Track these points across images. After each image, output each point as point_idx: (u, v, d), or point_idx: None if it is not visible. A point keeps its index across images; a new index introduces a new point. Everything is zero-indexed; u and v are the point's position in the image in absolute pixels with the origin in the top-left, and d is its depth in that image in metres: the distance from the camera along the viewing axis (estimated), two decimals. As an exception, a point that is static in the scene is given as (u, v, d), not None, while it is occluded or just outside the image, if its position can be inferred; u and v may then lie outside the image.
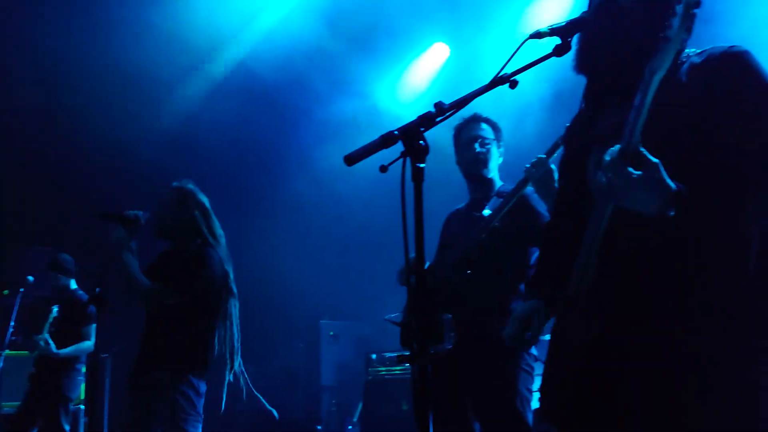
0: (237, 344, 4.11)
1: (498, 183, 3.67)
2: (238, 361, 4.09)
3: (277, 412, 9.28)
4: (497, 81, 1.86)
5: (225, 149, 8.52)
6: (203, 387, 3.95)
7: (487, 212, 3.45)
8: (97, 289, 3.92)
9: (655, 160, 1.68)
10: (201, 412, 3.88)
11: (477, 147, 3.57)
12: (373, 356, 7.71)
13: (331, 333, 9.23)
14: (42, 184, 7.94)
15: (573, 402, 1.90)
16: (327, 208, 9.05)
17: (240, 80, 8.13)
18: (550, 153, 3.11)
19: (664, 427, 1.75)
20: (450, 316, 2.95)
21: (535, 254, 3.50)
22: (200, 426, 3.86)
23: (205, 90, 8.18)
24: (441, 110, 1.78)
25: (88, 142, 7.56)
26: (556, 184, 3.06)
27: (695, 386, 1.75)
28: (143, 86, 7.46)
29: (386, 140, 1.68)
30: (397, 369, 7.52)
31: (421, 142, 1.68)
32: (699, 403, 1.74)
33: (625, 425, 1.81)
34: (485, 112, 3.69)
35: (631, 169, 1.67)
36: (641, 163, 1.68)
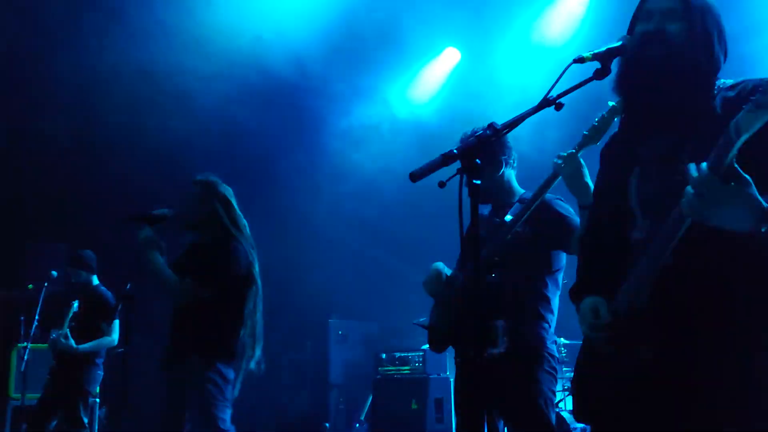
0: (260, 333, 4.25)
1: (519, 190, 3.74)
2: (259, 351, 4.23)
3: (285, 408, 9.42)
4: (544, 103, 2.00)
5: (239, 150, 8.65)
6: (231, 374, 4.09)
7: (509, 218, 3.49)
8: (128, 286, 4.07)
9: (747, 176, 1.73)
10: (229, 398, 4.03)
11: None
12: (383, 355, 7.85)
13: (340, 332, 9.34)
14: (64, 181, 8.07)
15: (625, 413, 2.02)
16: (339, 208, 9.18)
17: (261, 86, 8.27)
18: (580, 147, 3.10)
19: None
20: (503, 321, 3.07)
21: (558, 257, 3.61)
22: (229, 411, 4.02)
23: (228, 94, 8.32)
24: (495, 131, 1.92)
25: (110, 142, 7.70)
26: (588, 179, 3.12)
27: (763, 408, 1.85)
28: (166, 89, 7.59)
29: (446, 159, 1.82)
30: (406, 368, 7.66)
31: (477, 160, 1.82)
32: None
33: None
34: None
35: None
36: (735, 178, 1.72)
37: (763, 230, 1.75)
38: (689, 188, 1.78)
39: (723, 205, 1.73)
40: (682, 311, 1.94)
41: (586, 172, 3.11)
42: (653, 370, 1.95)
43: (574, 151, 3.11)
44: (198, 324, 4.09)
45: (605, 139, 2.84)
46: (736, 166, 1.72)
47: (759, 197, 1.74)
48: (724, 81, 2.11)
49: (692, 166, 1.76)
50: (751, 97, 1.71)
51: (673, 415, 1.93)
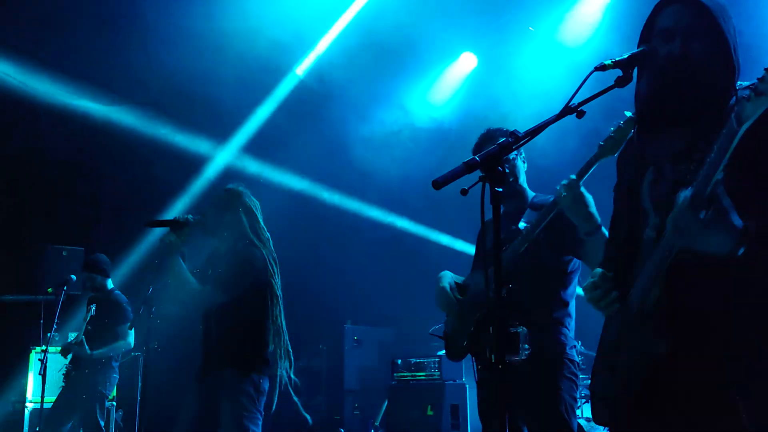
0: (288, 343, 4.25)
1: (530, 193, 3.73)
2: (291, 360, 4.24)
3: (301, 414, 9.42)
4: (566, 111, 2.00)
5: (258, 155, 8.71)
6: (266, 384, 4.12)
7: (522, 224, 3.47)
8: (150, 290, 4.09)
9: (725, 204, 1.78)
10: (262, 410, 4.04)
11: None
12: (399, 361, 7.85)
13: (355, 338, 9.35)
14: (83, 186, 8.14)
15: (643, 411, 2.04)
16: (355, 214, 9.20)
17: (282, 91, 8.34)
18: (580, 174, 3.08)
19: None
20: (526, 329, 3.06)
21: (573, 262, 3.59)
22: (260, 423, 4.02)
23: (248, 100, 8.37)
24: (516, 138, 1.92)
25: (129, 146, 7.76)
26: (590, 208, 3.09)
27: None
28: (186, 95, 7.64)
29: (469, 166, 1.82)
30: (422, 374, 7.65)
31: (499, 168, 1.82)
32: None
33: None
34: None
35: (702, 214, 1.79)
36: (714, 207, 1.78)
37: (740, 253, 1.81)
38: (669, 219, 1.85)
39: (700, 235, 1.81)
40: (695, 305, 1.96)
41: (588, 199, 3.07)
42: (669, 366, 1.96)
43: (575, 177, 3.08)
44: (231, 335, 4.11)
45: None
46: (718, 193, 1.78)
47: (735, 222, 1.80)
48: (741, 83, 2.11)
49: (680, 196, 1.82)
50: (750, 87, 1.73)
51: (693, 412, 1.94)
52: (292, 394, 4.29)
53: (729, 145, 1.76)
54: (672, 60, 2.10)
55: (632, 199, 2.21)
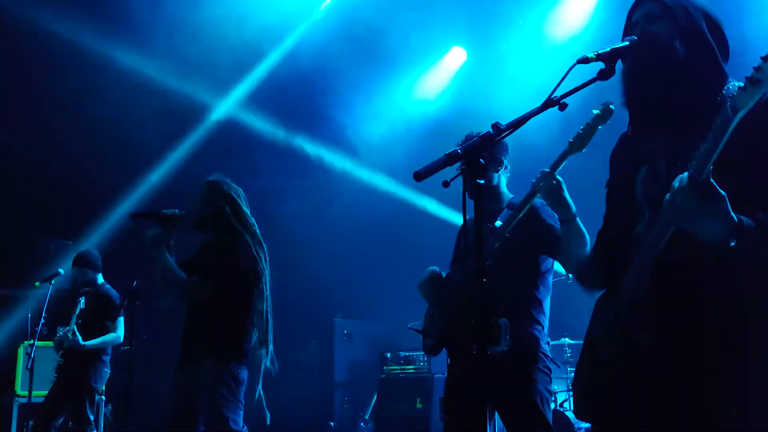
0: (270, 332, 4.26)
1: (508, 195, 3.78)
2: (270, 349, 4.25)
3: (290, 407, 9.43)
4: (548, 104, 2.00)
5: (247, 149, 8.70)
6: (244, 374, 4.12)
7: (499, 223, 3.50)
8: (135, 283, 4.10)
9: (722, 192, 1.77)
10: (242, 399, 4.05)
11: None
12: (388, 354, 7.89)
13: (345, 331, 9.37)
14: (72, 179, 8.11)
15: (628, 402, 2.03)
16: (347, 208, 9.20)
17: (270, 86, 8.33)
18: (554, 167, 3.08)
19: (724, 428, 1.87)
20: (507, 320, 3.09)
21: (546, 260, 3.63)
22: (241, 412, 4.03)
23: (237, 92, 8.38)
24: (498, 131, 1.93)
25: (116, 140, 7.74)
26: (566, 195, 3.13)
27: (756, 391, 1.87)
28: (174, 90, 7.63)
29: (450, 158, 1.83)
30: (411, 368, 7.70)
31: (481, 160, 1.83)
32: (760, 406, 1.86)
33: (683, 426, 1.93)
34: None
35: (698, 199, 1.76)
36: (709, 194, 1.77)
37: (732, 244, 1.80)
38: (667, 196, 1.84)
39: (696, 216, 1.80)
40: (680, 300, 1.96)
41: (564, 187, 3.12)
42: (651, 358, 1.96)
43: (548, 170, 3.08)
44: (210, 325, 4.12)
45: (591, 145, 2.87)
46: (712, 182, 1.77)
47: (731, 213, 1.79)
48: (738, 84, 2.11)
49: (677, 178, 1.81)
50: (746, 76, 1.73)
51: (671, 405, 1.94)
52: (260, 389, 4.29)
53: (723, 134, 1.76)
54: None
55: (626, 196, 2.21)
